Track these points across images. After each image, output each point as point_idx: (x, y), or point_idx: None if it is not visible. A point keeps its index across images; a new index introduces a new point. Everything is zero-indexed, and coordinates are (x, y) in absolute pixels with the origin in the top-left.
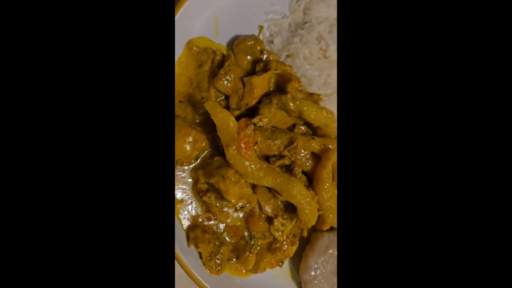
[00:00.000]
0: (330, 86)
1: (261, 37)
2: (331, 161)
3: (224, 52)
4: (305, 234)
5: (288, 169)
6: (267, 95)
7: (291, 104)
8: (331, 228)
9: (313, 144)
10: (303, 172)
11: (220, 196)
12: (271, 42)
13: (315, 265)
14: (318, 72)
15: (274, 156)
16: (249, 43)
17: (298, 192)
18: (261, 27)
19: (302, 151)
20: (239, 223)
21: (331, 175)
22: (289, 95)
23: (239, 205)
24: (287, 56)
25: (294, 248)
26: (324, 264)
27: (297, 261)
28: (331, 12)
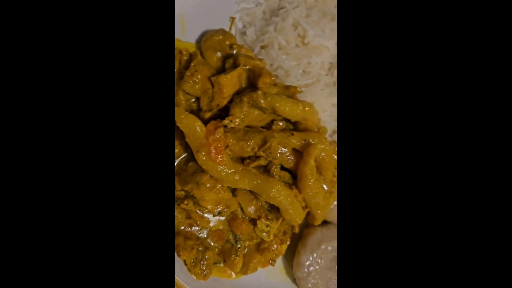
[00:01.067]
0: (310, 76)
1: (233, 29)
2: (313, 157)
3: (193, 50)
4: (296, 230)
5: (266, 170)
6: (240, 93)
7: (262, 101)
8: (324, 222)
9: (292, 140)
10: (286, 169)
11: None
12: (244, 33)
13: (308, 262)
14: (296, 61)
15: (249, 157)
16: (217, 38)
17: (277, 193)
18: (232, 19)
19: (282, 148)
20: (221, 227)
21: (314, 171)
22: (259, 92)
23: (217, 211)
24: (262, 47)
25: (285, 246)
26: (317, 260)
27: (291, 257)
28: None
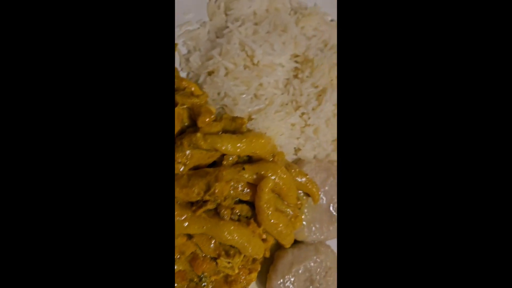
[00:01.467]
0: (262, 99)
1: (176, 56)
2: (265, 191)
3: None
4: (267, 255)
5: (217, 212)
6: (183, 132)
7: (202, 143)
8: (295, 242)
9: (244, 175)
10: (245, 202)
11: None
12: (188, 60)
13: (279, 287)
14: (246, 85)
15: (197, 202)
16: None
17: (229, 235)
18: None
19: (235, 184)
20: (182, 268)
21: (272, 202)
22: (198, 135)
23: None
24: (209, 73)
25: (254, 274)
26: (288, 285)
27: (265, 279)
28: (257, 5)
